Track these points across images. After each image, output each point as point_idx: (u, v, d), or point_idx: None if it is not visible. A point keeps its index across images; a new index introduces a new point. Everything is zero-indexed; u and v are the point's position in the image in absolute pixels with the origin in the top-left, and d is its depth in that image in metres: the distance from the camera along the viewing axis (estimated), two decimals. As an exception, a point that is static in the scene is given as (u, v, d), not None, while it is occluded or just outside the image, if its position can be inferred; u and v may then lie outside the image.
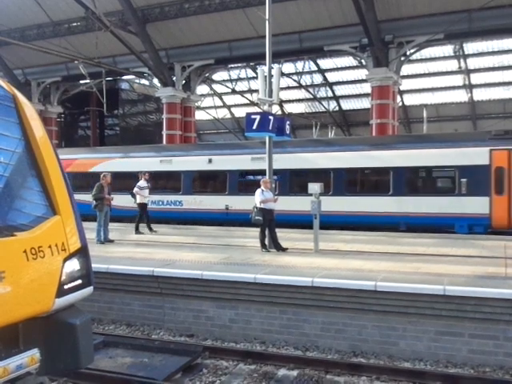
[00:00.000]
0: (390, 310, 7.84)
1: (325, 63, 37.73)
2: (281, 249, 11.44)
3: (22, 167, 4.40)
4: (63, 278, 4.22)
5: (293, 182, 18.36)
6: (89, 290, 4.56)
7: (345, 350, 7.91)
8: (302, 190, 15.28)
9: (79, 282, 4.42)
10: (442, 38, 23.54)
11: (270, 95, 11.73)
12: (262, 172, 13.49)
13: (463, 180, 15.82)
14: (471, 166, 15.79)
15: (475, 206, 15.64)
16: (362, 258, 10.39)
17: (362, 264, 9.53)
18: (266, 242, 11.57)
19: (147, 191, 15.54)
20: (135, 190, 15.47)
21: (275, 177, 15.75)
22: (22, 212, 4.23)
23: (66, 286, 4.24)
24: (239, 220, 16.77)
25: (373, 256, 10.64)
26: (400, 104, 39.87)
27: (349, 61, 34.91)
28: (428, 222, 15.97)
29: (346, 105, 44.42)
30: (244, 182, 19.02)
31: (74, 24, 27.46)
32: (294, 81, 40.90)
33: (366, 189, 17.98)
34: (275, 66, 12.65)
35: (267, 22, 11.82)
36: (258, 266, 9.49)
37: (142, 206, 15.42)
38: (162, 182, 20.41)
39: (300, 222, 15.79)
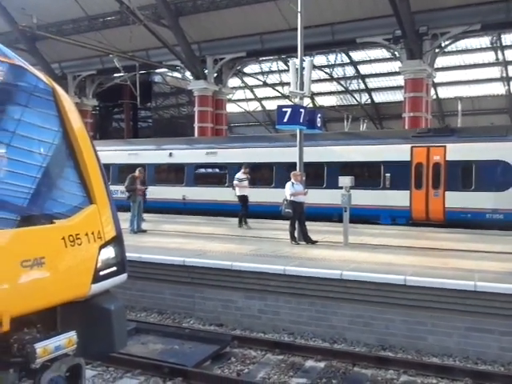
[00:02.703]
0: (419, 305, 7.82)
1: (357, 55, 37.35)
2: (310, 242, 11.49)
3: (61, 158, 4.57)
4: (99, 264, 4.38)
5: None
6: (123, 276, 4.72)
7: (373, 344, 7.93)
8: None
9: (114, 268, 4.58)
10: (479, 28, 22.99)
11: (302, 88, 11.75)
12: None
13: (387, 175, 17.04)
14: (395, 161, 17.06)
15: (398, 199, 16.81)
16: (391, 252, 10.36)
17: (391, 258, 9.52)
18: (296, 234, 11.63)
19: (247, 183, 15.21)
20: (235, 182, 15.28)
21: None
22: (60, 201, 4.41)
23: (101, 273, 4.40)
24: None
25: (402, 250, 10.60)
26: (434, 97, 39.23)
27: (382, 53, 34.48)
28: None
29: (379, 97, 43.91)
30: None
31: (109, 18, 27.84)
32: (326, 73, 40.64)
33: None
34: (307, 58, 12.62)
35: (299, 14, 11.82)
36: (287, 258, 9.58)
37: (242, 198, 15.03)
38: None
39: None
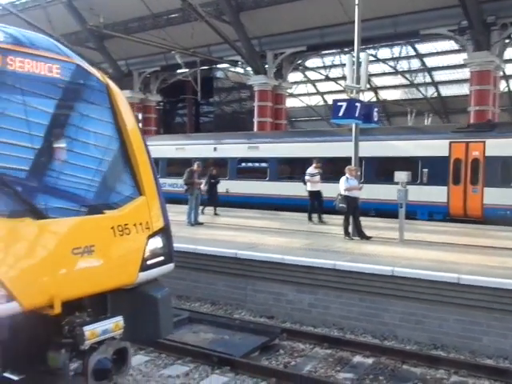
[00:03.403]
0: (474, 305, 7.59)
1: (423, 47, 36.25)
2: (364, 237, 11.38)
3: (113, 151, 4.80)
4: (146, 254, 4.58)
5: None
6: (169, 266, 4.90)
7: (424, 342, 7.78)
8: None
9: (161, 258, 4.77)
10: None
11: (358, 82, 11.61)
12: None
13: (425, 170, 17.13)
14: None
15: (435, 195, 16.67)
16: (447, 249, 10.08)
17: (446, 255, 9.27)
18: (350, 229, 11.55)
19: (318, 178, 14.76)
20: (306, 177, 14.85)
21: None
22: (111, 192, 4.65)
23: (148, 262, 4.60)
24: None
25: (459, 248, 10.29)
26: (505, 90, 37.48)
27: (450, 45, 33.20)
28: None
29: (446, 91, 42.43)
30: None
31: (172, 16, 28.48)
32: (390, 66, 39.75)
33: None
34: (363, 52, 12.46)
35: (356, 7, 11.68)
36: (339, 253, 9.54)
37: (313, 193, 14.59)
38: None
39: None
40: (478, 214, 16.17)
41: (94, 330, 3.95)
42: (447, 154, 16.85)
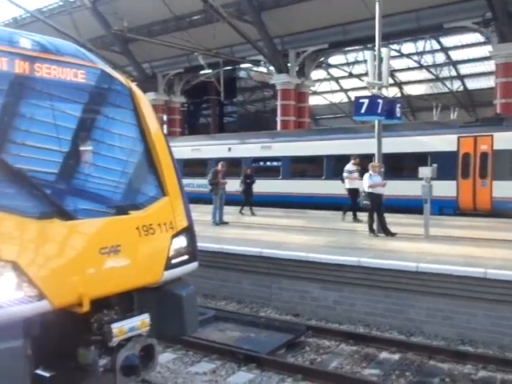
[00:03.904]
0: (503, 299, 7.50)
1: (448, 41, 35.74)
2: (389, 234, 11.32)
3: (137, 153, 4.91)
4: (171, 253, 4.68)
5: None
6: (194, 265, 4.99)
7: (452, 338, 7.72)
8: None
9: (185, 257, 4.86)
10: None
11: (380, 78, 11.56)
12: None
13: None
14: None
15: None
16: (475, 244, 9.98)
17: (473, 250, 9.18)
18: (375, 226, 11.50)
19: (357, 175, 14.33)
20: (344, 174, 14.48)
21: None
22: (135, 193, 4.76)
23: (173, 261, 4.69)
24: None
25: (487, 243, 10.16)
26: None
27: (475, 37, 32.70)
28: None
29: (472, 84, 41.71)
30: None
31: (195, 17, 28.73)
32: (415, 61, 39.29)
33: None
34: (385, 48, 12.39)
35: (377, 3, 11.63)
36: (363, 250, 9.53)
37: (352, 191, 14.14)
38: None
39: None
40: (487, 208, 16.30)
41: (121, 328, 4.06)
42: (456, 149, 17.04)
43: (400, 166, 18.31)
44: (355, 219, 14.02)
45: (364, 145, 17.20)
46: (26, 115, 4.10)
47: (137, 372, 4.20)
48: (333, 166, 19.21)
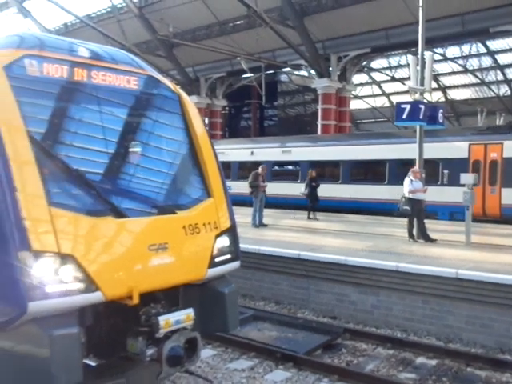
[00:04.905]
0: (545, 309, 7.43)
1: (495, 44, 34.95)
2: (429, 240, 11.26)
3: (185, 156, 5.18)
4: (215, 251, 4.91)
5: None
6: (236, 264, 5.21)
7: (490, 346, 7.68)
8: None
9: (228, 256, 5.09)
10: None
11: (422, 83, 11.53)
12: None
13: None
14: None
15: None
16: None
17: (514, 259, 9.07)
18: (414, 232, 11.46)
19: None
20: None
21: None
22: (182, 194, 5.03)
23: (216, 259, 4.93)
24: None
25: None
26: None
27: (523, 40, 31.94)
28: None
29: (520, 88, 40.65)
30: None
31: (238, 22, 29.09)
32: (460, 65, 38.58)
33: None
34: (429, 52, 12.34)
35: (420, 8, 11.62)
36: (402, 255, 9.54)
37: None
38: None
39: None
40: (496, 214, 16.51)
41: (168, 320, 4.31)
42: (467, 156, 17.29)
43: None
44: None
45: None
46: (83, 120, 4.42)
47: (181, 363, 4.43)
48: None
